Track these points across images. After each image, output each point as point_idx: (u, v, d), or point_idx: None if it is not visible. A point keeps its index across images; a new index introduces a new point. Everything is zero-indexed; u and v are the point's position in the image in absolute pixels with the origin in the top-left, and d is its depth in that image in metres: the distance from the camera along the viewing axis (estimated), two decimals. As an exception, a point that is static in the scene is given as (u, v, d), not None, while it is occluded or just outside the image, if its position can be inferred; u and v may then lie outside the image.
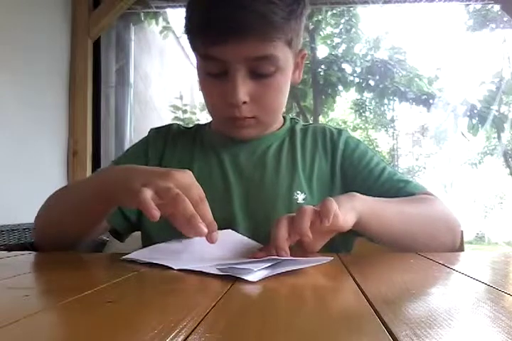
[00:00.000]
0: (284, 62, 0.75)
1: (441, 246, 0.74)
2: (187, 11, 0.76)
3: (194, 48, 0.76)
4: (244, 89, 0.73)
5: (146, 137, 0.92)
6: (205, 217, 0.57)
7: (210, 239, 0.56)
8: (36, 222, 0.80)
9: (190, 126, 0.98)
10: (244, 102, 0.75)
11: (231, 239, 0.64)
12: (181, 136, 0.91)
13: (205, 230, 0.54)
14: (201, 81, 0.79)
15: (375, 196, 0.72)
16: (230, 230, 0.69)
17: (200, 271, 0.48)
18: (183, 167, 0.85)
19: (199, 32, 0.73)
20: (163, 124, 0.96)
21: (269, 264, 0.49)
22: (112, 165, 0.83)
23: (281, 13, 0.70)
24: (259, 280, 0.44)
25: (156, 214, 0.53)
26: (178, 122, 1.02)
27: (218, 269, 0.48)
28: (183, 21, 0.77)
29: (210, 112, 0.84)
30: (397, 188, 0.81)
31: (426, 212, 0.75)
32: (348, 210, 0.64)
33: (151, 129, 0.93)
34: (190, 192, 0.58)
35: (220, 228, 0.59)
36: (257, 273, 0.46)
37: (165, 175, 0.59)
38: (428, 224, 0.74)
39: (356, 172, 0.84)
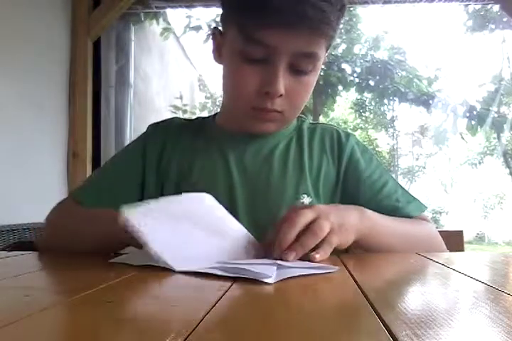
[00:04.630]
0: (320, 63, 0.75)
1: None
2: None
3: (240, 28, 0.72)
4: (283, 82, 0.72)
5: (144, 133, 0.89)
6: None
7: None
8: (47, 239, 0.81)
9: (193, 118, 0.95)
10: (280, 95, 0.73)
11: (231, 233, 0.62)
12: (183, 130, 0.88)
13: None
14: (234, 66, 0.75)
15: (372, 210, 0.73)
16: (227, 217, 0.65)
17: (201, 271, 0.48)
18: (185, 164, 0.83)
19: (255, 12, 0.69)
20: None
21: (275, 267, 0.49)
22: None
23: (335, 15, 0.70)
24: (276, 281, 0.44)
25: None
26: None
27: (223, 270, 0.48)
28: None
29: (233, 101, 0.80)
30: (395, 207, 0.81)
31: (422, 235, 0.79)
32: (352, 230, 0.65)
33: (150, 125, 0.91)
34: None
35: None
36: (271, 275, 0.45)
37: None
38: (419, 247, 0.76)
39: (359, 182, 0.83)
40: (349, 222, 0.65)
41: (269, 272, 0.46)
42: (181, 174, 0.82)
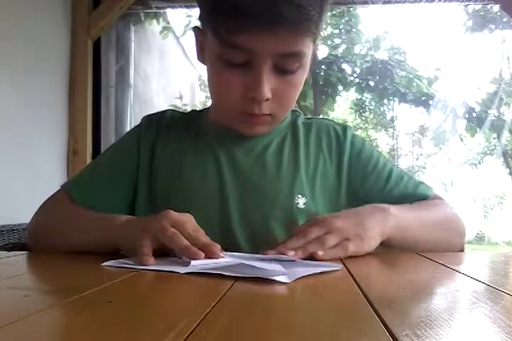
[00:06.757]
0: (306, 60, 0.71)
1: (452, 247, 0.77)
2: None
3: (215, 33, 0.67)
4: (268, 85, 0.68)
5: (138, 126, 0.86)
6: (199, 241, 0.56)
7: (212, 255, 0.54)
8: (34, 234, 0.79)
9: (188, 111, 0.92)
10: (267, 99, 0.70)
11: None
12: (176, 125, 0.85)
13: (201, 253, 0.53)
14: (216, 70, 0.72)
15: (384, 201, 0.72)
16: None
17: (201, 272, 0.48)
18: (176, 164, 0.79)
19: (228, 16, 0.64)
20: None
21: (280, 266, 0.49)
22: (115, 215, 0.70)
23: (317, 8, 0.65)
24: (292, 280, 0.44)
25: (149, 261, 0.53)
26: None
27: (228, 271, 0.47)
28: (202, 2, 0.70)
29: (219, 105, 0.78)
30: (406, 194, 0.80)
31: (442, 218, 0.79)
32: (375, 236, 0.65)
33: (144, 117, 0.87)
34: (185, 227, 0.58)
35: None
36: (282, 272, 0.45)
37: (162, 215, 0.59)
38: (446, 230, 0.76)
39: (365, 175, 0.82)
40: (369, 228, 0.64)
41: (279, 269, 0.46)
42: (172, 173, 0.79)
